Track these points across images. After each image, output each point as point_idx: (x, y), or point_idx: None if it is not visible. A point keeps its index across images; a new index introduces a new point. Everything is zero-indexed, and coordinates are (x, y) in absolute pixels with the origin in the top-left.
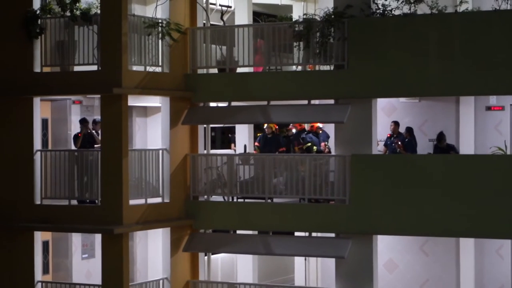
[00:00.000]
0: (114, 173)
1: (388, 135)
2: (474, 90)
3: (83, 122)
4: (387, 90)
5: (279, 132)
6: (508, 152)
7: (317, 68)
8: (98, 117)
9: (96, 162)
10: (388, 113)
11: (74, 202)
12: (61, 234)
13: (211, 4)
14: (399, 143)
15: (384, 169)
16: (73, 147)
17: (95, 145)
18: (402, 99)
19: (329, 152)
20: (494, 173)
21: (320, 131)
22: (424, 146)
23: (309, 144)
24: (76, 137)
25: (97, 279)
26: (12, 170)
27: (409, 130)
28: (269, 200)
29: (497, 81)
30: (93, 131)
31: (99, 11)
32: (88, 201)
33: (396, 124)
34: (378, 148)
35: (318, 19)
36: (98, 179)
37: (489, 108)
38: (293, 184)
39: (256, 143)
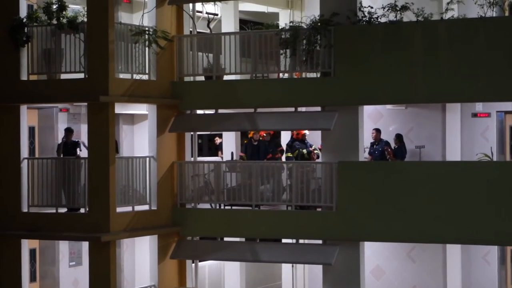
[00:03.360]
0: (101, 180)
1: (371, 144)
2: (460, 97)
3: (67, 131)
4: (374, 97)
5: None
6: (495, 159)
7: (303, 75)
8: (70, 126)
9: (83, 169)
10: (374, 120)
11: (62, 210)
12: (48, 242)
13: (198, 12)
14: (389, 150)
15: (371, 176)
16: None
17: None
18: (388, 106)
19: (318, 158)
20: (481, 180)
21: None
22: (410, 153)
23: (297, 151)
24: (59, 146)
25: (85, 287)
26: None
27: (399, 137)
28: (256, 207)
29: (483, 88)
30: (80, 141)
31: (85, 19)
32: (74, 209)
33: (377, 131)
34: (365, 155)
35: (305, 26)
36: (85, 186)
37: (475, 115)
38: (280, 191)
39: (242, 153)
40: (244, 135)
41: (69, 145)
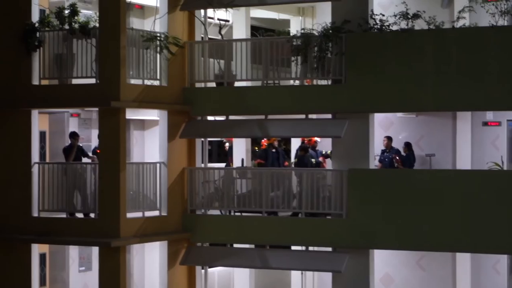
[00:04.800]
0: (111, 186)
1: (382, 152)
2: (471, 106)
3: (73, 135)
4: (384, 105)
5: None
6: (505, 168)
7: (314, 82)
8: (76, 130)
9: (94, 175)
10: (385, 128)
11: (74, 214)
12: (58, 247)
13: (209, 18)
14: (397, 158)
15: (381, 184)
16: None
17: (84, 158)
18: (399, 114)
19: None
20: (491, 189)
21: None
22: (420, 161)
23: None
24: (66, 150)
25: None
26: (9, 183)
27: (408, 145)
28: (266, 214)
29: (494, 96)
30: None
31: (97, 25)
32: (85, 214)
33: (389, 139)
34: (375, 163)
35: (316, 34)
36: (96, 191)
37: (486, 124)
38: (290, 198)
39: (260, 160)
40: (255, 142)
41: (78, 150)
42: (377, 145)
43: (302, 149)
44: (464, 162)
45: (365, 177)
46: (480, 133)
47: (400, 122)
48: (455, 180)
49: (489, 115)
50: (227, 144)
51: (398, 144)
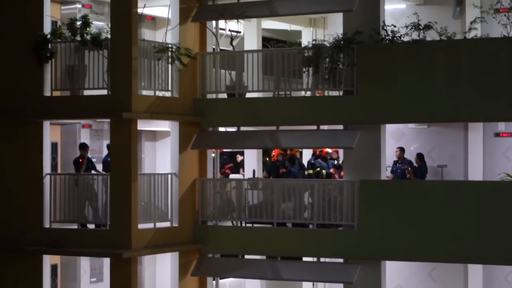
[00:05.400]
0: (123, 197)
1: (394, 163)
2: (482, 117)
3: (83, 147)
4: (396, 116)
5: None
6: None
7: (326, 93)
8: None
9: (105, 186)
10: (396, 139)
11: (86, 225)
12: (70, 258)
13: (221, 29)
14: (409, 169)
15: (392, 195)
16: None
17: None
18: (411, 125)
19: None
20: (503, 200)
21: (329, 157)
22: (432, 172)
23: (318, 169)
24: (77, 162)
25: None
26: (21, 194)
27: (420, 156)
28: (277, 225)
29: (505, 107)
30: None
31: (109, 36)
32: (96, 225)
33: (401, 150)
34: (387, 173)
35: (328, 45)
36: (107, 203)
37: (497, 135)
38: (301, 209)
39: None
40: (266, 153)
41: (88, 161)
42: (389, 156)
43: (290, 160)
44: (476, 173)
45: (377, 188)
46: (492, 144)
47: (411, 133)
48: (467, 191)
49: (501, 126)
50: (238, 156)
51: (410, 155)
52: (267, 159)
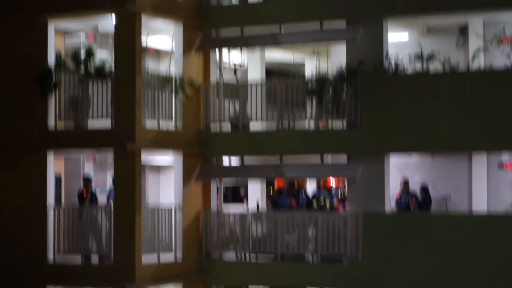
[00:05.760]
0: (126, 229)
1: (398, 195)
2: (486, 147)
3: (87, 180)
4: (400, 147)
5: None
6: None
7: (329, 124)
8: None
9: (108, 219)
10: (400, 170)
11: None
12: None
13: (224, 61)
14: (414, 201)
15: (397, 227)
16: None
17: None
18: (414, 156)
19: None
20: (508, 232)
21: (335, 186)
22: (436, 203)
23: (321, 200)
24: (81, 195)
25: None
26: (25, 225)
27: (425, 188)
28: (281, 258)
29: (509, 137)
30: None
31: (113, 67)
32: (100, 256)
33: (405, 183)
34: (391, 205)
35: (331, 75)
36: (111, 235)
37: (501, 165)
38: (305, 241)
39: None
40: (270, 183)
41: (92, 195)
42: (393, 188)
43: (277, 191)
44: (480, 204)
45: (381, 220)
46: (496, 175)
47: (415, 164)
48: (471, 223)
49: (505, 156)
50: (242, 190)
51: (413, 186)
52: (271, 190)
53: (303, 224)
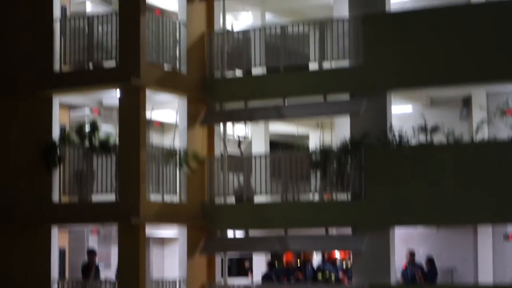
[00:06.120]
0: None
1: (404, 267)
2: (491, 219)
3: (91, 253)
4: (405, 219)
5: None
6: None
7: (334, 196)
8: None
9: None
10: (405, 242)
11: None
12: None
13: (229, 133)
14: (420, 272)
15: None
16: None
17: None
18: (419, 228)
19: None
20: None
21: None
22: (442, 274)
23: (326, 273)
24: (85, 268)
25: None
26: None
27: (430, 260)
28: None
29: None
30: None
31: (117, 141)
32: None
33: (411, 254)
34: (397, 276)
35: (335, 150)
36: None
37: (507, 237)
38: None
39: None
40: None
41: (96, 268)
42: (398, 259)
43: (269, 265)
44: (486, 276)
45: None
46: (501, 246)
47: (420, 236)
48: None
49: (510, 228)
50: (246, 262)
51: (419, 258)
52: (276, 263)
53: None
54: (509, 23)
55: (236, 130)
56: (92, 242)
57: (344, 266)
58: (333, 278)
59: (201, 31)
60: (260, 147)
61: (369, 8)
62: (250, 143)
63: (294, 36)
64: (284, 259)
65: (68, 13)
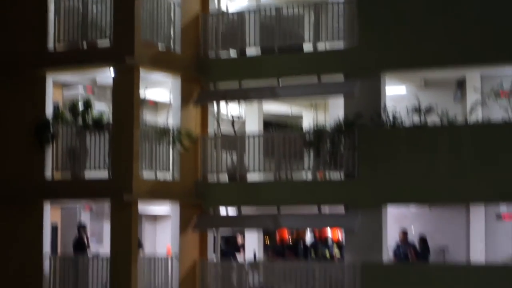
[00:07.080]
0: (123, 279)
1: (397, 245)
2: (484, 198)
3: (81, 228)
4: (397, 198)
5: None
6: None
7: (327, 175)
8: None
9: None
10: (398, 220)
11: None
12: None
13: (222, 113)
14: (412, 251)
15: (394, 278)
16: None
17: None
18: (412, 207)
19: None
20: (506, 283)
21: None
22: (434, 254)
23: (319, 252)
24: (76, 244)
25: None
26: (21, 275)
27: (423, 239)
28: None
29: (507, 189)
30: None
31: (111, 119)
32: None
33: (404, 233)
34: (389, 254)
35: (329, 130)
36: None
37: (499, 216)
38: None
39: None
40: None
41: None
42: (390, 238)
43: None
44: (478, 255)
45: (379, 270)
46: (494, 226)
47: (413, 214)
48: (469, 274)
49: (503, 207)
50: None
51: (411, 236)
52: (267, 240)
53: (300, 274)
54: (505, 6)
55: (230, 109)
56: (85, 218)
57: (335, 248)
58: (327, 255)
59: (195, 12)
60: (253, 126)
61: None
62: (244, 123)
63: (289, 17)
64: (278, 237)
65: None
